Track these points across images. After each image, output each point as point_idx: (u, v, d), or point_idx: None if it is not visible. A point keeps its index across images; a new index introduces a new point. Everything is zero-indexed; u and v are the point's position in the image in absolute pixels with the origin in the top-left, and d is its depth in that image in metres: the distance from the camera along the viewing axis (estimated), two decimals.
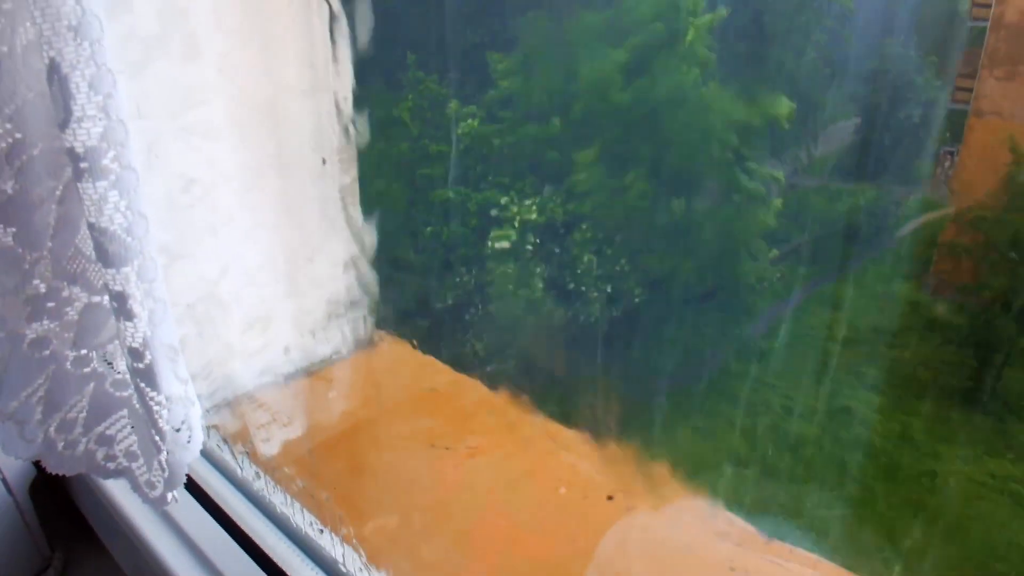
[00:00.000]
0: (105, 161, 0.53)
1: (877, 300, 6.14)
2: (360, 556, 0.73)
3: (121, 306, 0.58)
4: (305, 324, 1.39)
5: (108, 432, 0.72)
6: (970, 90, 4.92)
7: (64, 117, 0.52)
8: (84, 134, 0.52)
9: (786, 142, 6.45)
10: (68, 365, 0.68)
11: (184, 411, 0.63)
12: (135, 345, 0.59)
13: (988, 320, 5.41)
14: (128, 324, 0.58)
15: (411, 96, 6.77)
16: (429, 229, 5.97)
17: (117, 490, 0.92)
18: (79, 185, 0.54)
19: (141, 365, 0.60)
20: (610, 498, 1.14)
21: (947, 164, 5.50)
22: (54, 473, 0.73)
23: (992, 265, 5.34)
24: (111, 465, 0.73)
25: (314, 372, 1.39)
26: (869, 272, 6.37)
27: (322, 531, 0.80)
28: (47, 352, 0.67)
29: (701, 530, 1.09)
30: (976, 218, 5.32)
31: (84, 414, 0.70)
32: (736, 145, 5.97)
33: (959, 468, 5.14)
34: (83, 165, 0.53)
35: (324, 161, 1.32)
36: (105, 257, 0.56)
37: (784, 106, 6.07)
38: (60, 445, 0.71)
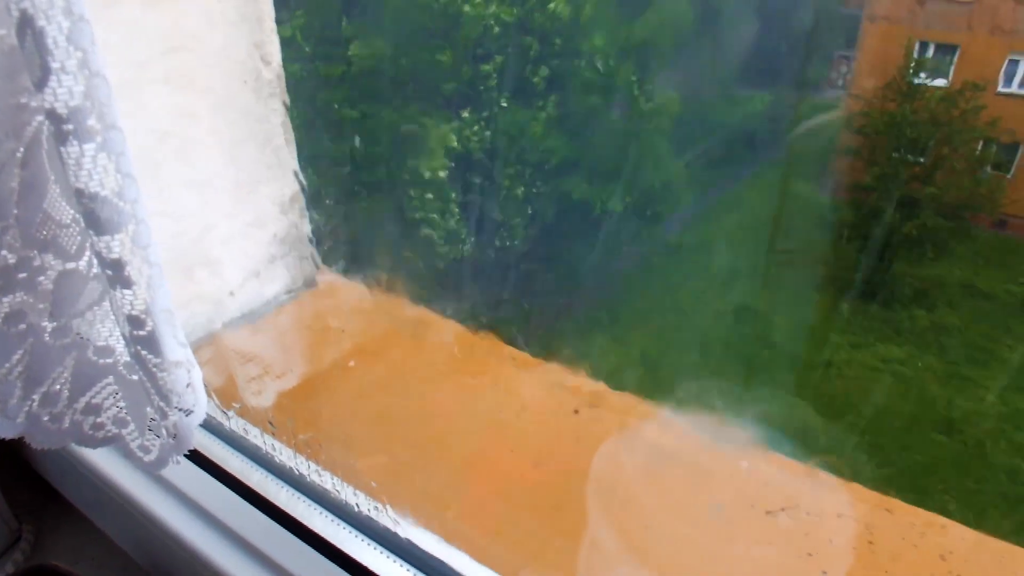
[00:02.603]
0: (90, 121, 0.50)
1: (777, 202, 6.43)
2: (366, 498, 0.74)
3: (117, 274, 0.55)
4: (249, 266, 1.35)
5: (94, 401, 0.69)
6: None
7: (41, 76, 0.48)
8: (66, 93, 0.48)
9: (687, 51, 6.51)
10: (46, 337, 0.65)
11: (187, 375, 0.62)
12: (135, 313, 0.57)
13: (876, 216, 5.77)
14: (127, 292, 0.56)
15: (300, 13, 6.37)
16: (342, 150, 5.76)
17: (90, 454, 0.89)
18: (62, 149, 0.50)
19: (143, 332, 0.58)
20: (576, 412, 1.19)
21: (843, 69, 5.71)
22: (38, 448, 0.70)
23: (881, 165, 5.66)
24: (99, 434, 0.71)
25: (263, 315, 1.37)
26: (769, 176, 6.64)
27: (320, 473, 0.81)
28: (23, 326, 0.64)
29: (664, 437, 1.16)
30: (866, 120, 5.59)
31: (68, 385, 0.67)
32: (632, 68, 6.00)
33: (852, 356, 5.57)
34: (67, 127, 0.49)
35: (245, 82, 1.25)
36: (97, 224, 0.53)
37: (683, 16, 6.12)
38: (45, 419, 0.68)
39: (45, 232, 0.61)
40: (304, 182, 1.36)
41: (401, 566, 0.70)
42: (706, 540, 0.94)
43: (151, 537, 0.81)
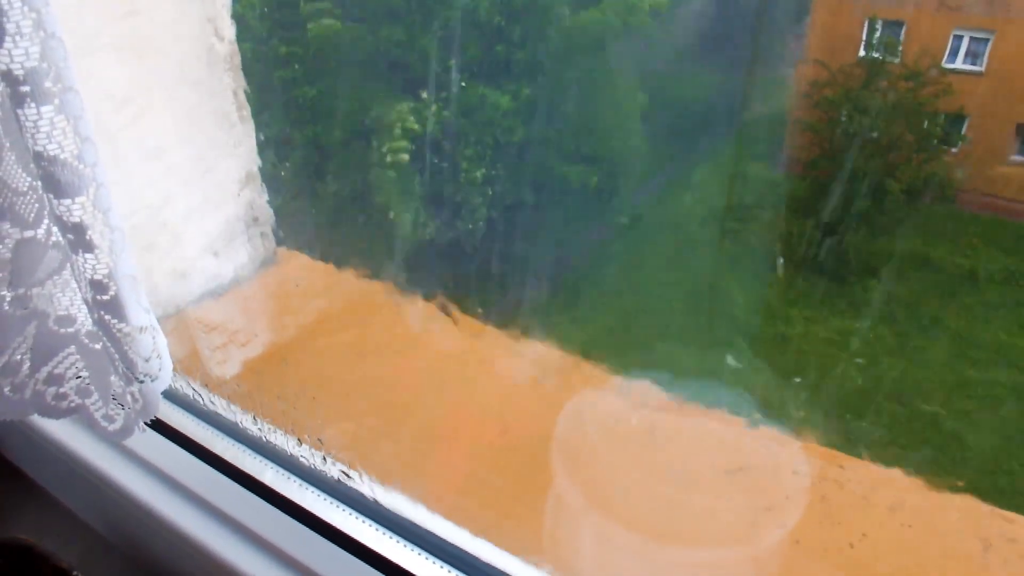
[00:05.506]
0: (47, 83, 0.49)
1: (730, 180, 6.52)
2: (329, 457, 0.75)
3: (79, 238, 0.55)
4: (208, 243, 1.34)
5: (56, 371, 0.69)
6: None
7: None
8: (22, 54, 0.48)
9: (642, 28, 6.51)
10: (5, 307, 0.64)
11: (152, 340, 0.62)
12: (98, 277, 0.56)
13: (831, 191, 5.89)
14: (89, 256, 0.55)
15: None
16: (301, 130, 5.66)
17: (52, 428, 0.88)
18: (19, 111, 0.50)
19: (106, 297, 0.57)
20: (540, 380, 1.21)
21: (795, 44, 5.79)
22: (1, 419, 0.70)
23: (834, 141, 5.77)
24: (63, 404, 0.70)
25: (223, 292, 1.35)
26: (722, 153, 6.72)
27: (287, 438, 0.82)
28: None
29: (624, 403, 1.19)
30: (819, 97, 5.69)
31: (29, 356, 0.67)
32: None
33: (808, 329, 5.70)
34: (24, 89, 0.49)
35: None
36: (57, 188, 0.53)
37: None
38: (6, 390, 0.67)
39: (1, 200, 0.60)
40: (262, 160, 1.34)
41: (371, 526, 0.71)
42: (668, 498, 0.97)
43: (116, 508, 0.81)
